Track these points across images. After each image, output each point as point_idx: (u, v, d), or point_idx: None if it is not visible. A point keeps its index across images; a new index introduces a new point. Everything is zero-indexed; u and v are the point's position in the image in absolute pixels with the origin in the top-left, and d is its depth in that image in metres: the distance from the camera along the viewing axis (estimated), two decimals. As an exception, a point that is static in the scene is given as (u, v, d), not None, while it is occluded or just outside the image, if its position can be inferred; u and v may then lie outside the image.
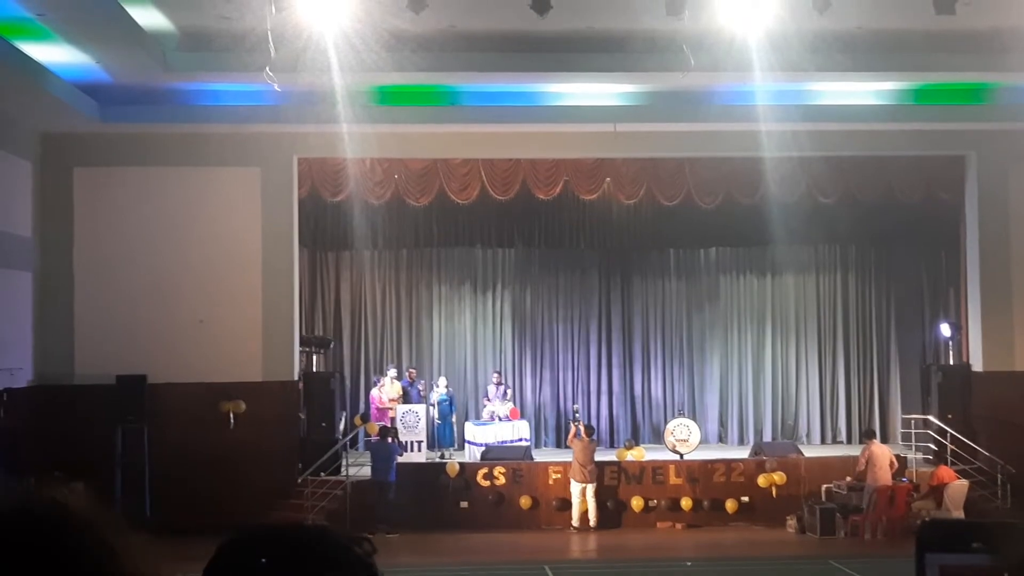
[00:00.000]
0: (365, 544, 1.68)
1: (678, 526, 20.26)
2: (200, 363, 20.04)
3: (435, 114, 19.68)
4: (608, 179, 21.93)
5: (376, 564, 1.66)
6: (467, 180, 21.51)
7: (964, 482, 19.38)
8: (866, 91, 19.77)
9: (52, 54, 16.42)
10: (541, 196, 21.96)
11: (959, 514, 18.61)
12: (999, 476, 19.89)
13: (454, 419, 23.13)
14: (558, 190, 21.85)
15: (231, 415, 20.02)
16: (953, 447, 20.49)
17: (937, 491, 19.19)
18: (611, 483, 20.45)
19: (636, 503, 20.35)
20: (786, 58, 16.44)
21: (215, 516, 18.77)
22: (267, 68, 15.86)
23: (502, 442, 21.97)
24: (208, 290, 20.33)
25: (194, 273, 20.31)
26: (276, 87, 16.82)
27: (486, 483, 20.32)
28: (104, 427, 19.32)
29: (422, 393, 23.03)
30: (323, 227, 23.79)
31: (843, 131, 20.11)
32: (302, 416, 20.78)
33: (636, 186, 21.95)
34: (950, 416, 21.09)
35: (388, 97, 19.05)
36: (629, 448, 21.75)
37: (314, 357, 22.90)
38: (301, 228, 21.43)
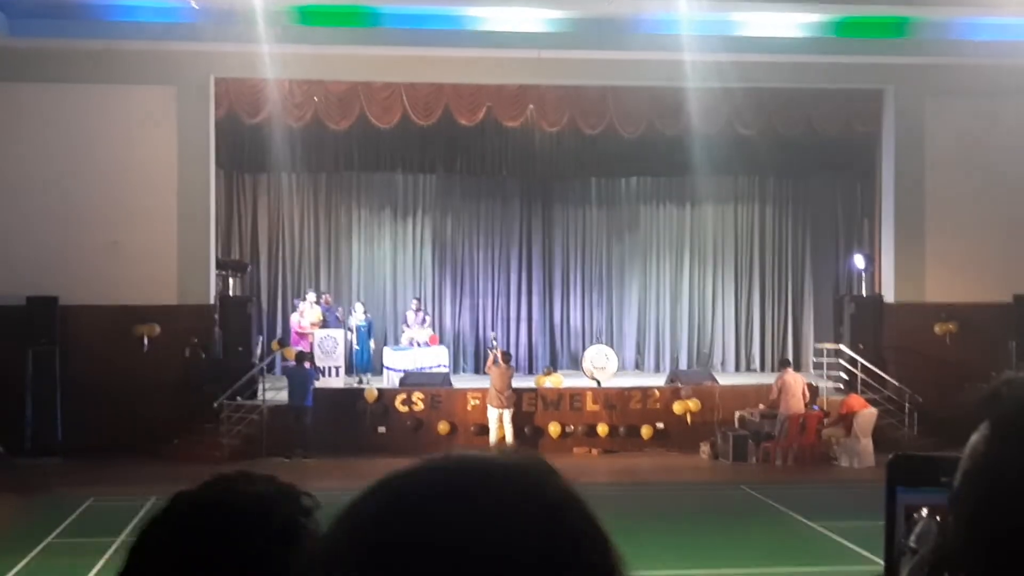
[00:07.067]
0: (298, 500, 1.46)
1: (594, 452, 20.48)
2: (114, 285, 19.70)
3: (357, 36, 19.34)
4: (531, 106, 21.77)
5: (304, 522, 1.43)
6: (388, 104, 21.22)
7: (873, 410, 19.81)
8: (789, 23, 19.81)
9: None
10: (463, 122, 21.75)
11: (867, 441, 19.05)
12: (907, 405, 20.38)
13: (372, 345, 23.06)
14: (480, 116, 21.64)
15: (145, 338, 19.78)
16: (863, 376, 20.92)
17: (847, 419, 19.59)
18: (529, 409, 20.59)
19: (553, 429, 20.52)
20: (711, -13, 16.41)
21: (128, 440, 18.65)
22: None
23: (421, 368, 22.00)
24: (122, 211, 19.92)
25: (108, 193, 19.88)
26: (194, 4, 16.42)
27: (404, 409, 20.34)
28: (14, 350, 18.93)
29: (340, 318, 22.91)
30: (241, 149, 23.36)
31: (765, 63, 20.15)
32: (217, 331, 20.56)
33: (559, 114, 21.83)
34: (861, 346, 21.50)
35: (309, 17, 18.68)
36: (547, 375, 21.93)
37: (230, 281, 22.65)
38: (218, 150, 21.02)
